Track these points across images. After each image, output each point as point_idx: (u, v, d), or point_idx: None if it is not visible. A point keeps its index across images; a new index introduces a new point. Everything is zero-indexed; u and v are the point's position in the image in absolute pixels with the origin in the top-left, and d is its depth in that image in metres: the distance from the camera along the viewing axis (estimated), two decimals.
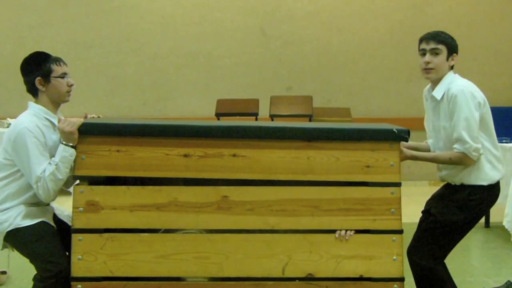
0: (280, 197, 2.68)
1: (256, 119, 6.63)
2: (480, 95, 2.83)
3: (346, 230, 2.68)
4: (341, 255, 2.66)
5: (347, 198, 2.68)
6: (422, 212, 3.04)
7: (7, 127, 6.85)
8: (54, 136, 2.79)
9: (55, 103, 2.86)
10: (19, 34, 7.40)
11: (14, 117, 7.64)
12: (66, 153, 2.65)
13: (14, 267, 3.88)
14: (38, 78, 2.80)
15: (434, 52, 2.85)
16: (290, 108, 6.56)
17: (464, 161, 2.79)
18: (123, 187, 2.75)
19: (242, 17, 7.44)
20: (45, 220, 2.81)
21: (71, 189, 2.83)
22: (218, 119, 6.67)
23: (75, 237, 2.67)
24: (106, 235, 2.67)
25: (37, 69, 2.81)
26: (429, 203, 3.02)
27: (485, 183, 2.84)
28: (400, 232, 2.68)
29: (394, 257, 2.66)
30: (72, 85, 2.86)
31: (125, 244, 2.67)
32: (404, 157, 2.80)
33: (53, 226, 2.82)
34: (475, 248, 4.68)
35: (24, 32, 7.39)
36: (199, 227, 2.70)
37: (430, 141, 3.05)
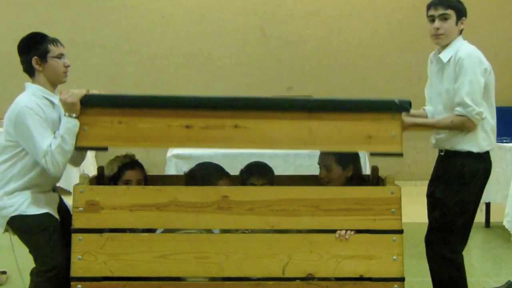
0: (280, 197, 2.68)
1: None
2: (486, 62, 2.82)
3: (346, 230, 2.68)
4: (341, 255, 2.66)
5: (347, 198, 2.68)
6: (427, 196, 3.06)
7: None
8: (54, 114, 2.80)
9: (52, 83, 2.85)
10: (19, 34, 7.33)
11: None
12: (69, 124, 2.64)
13: (14, 267, 3.88)
14: (35, 57, 2.81)
15: (443, 18, 2.82)
16: None
17: (466, 124, 2.77)
18: (123, 187, 2.76)
19: (242, 17, 7.43)
20: (50, 212, 2.81)
21: (80, 166, 2.86)
22: None
23: (75, 237, 2.67)
24: (106, 235, 2.67)
25: (34, 49, 2.82)
26: (430, 186, 3.04)
27: (474, 149, 2.82)
28: (400, 232, 2.68)
29: (395, 257, 2.66)
30: (68, 66, 2.88)
31: (125, 244, 2.67)
32: (406, 126, 2.76)
33: (57, 219, 2.83)
34: (475, 248, 4.68)
35: (23, 32, 7.31)
36: (199, 227, 2.70)
37: (427, 108, 3.03)
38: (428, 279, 3.57)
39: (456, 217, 2.88)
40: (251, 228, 2.71)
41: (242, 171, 3.01)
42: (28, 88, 2.83)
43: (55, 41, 2.87)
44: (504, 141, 4.88)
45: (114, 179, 2.92)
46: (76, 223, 2.67)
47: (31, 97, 2.77)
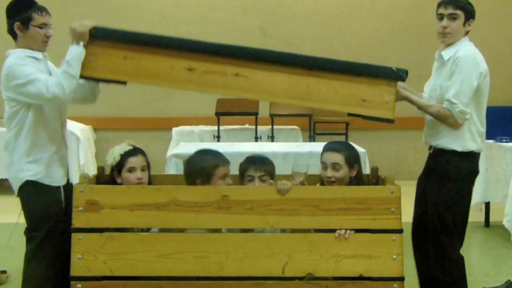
0: (280, 197, 2.68)
1: (256, 119, 6.63)
2: (484, 66, 2.87)
3: (346, 230, 2.68)
4: (341, 254, 2.67)
5: (347, 198, 2.69)
6: (416, 191, 3.15)
7: None
8: (42, 67, 2.87)
9: (32, 50, 2.86)
10: None
11: None
12: (76, 51, 2.70)
13: (14, 266, 3.88)
14: (17, 23, 2.82)
15: (452, 17, 2.86)
16: (290, 108, 6.55)
17: (448, 120, 2.84)
18: (123, 186, 2.76)
19: (242, 17, 7.44)
20: (61, 187, 2.92)
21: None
22: (218, 118, 6.67)
23: (75, 236, 2.67)
24: (106, 234, 2.67)
25: (18, 14, 2.83)
26: (419, 182, 3.14)
27: (458, 148, 2.88)
28: (400, 231, 2.68)
29: (394, 257, 2.66)
30: (49, 36, 2.88)
31: (125, 243, 2.67)
32: (400, 97, 2.85)
33: (62, 207, 2.89)
34: (475, 248, 4.68)
35: None
36: (199, 226, 2.70)
37: (424, 95, 3.09)
38: None
39: (445, 213, 2.92)
40: (251, 227, 2.71)
41: (240, 165, 3.00)
42: (10, 54, 2.85)
43: (40, 10, 2.85)
44: (504, 140, 4.88)
45: (118, 168, 2.88)
46: (76, 222, 2.67)
47: (16, 58, 2.80)
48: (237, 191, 2.72)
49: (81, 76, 2.74)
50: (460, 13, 2.86)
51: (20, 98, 2.76)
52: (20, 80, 2.71)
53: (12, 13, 2.84)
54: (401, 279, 2.66)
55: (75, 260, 2.65)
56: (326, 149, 2.93)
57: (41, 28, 2.84)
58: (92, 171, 5.82)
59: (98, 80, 2.88)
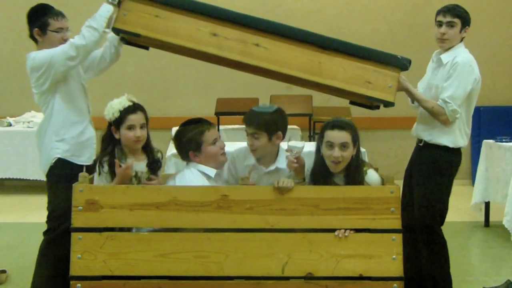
0: (280, 196, 2.68)
1: None
2: (478, 73, 3.12)
3: (346, 229, 2.68)
4: (341, 254, 2.67)
5: (347, 197, 2.69)
6: (404, 178, 3.37)
7: (7, 126, 6.85)
8: None
9: None
10: (19, 33, 7.36)
11: (14, 116, 7.63)
12: (104, 7, 2.88)
13: (14, 266, 3.88)
14: (36, 29, 3.02)
15: (450, 25, 3.11)
16: (290, 107, 6.55)
17: (440, 116, 3.07)
18: (123, 186, 2.76)
19: None
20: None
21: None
22: (218, 118, 6.67)
23: (74, 236, 2.67)
24: (105, 234, 2.67)
25: (36, 21, 3.02)
26: (407, 173, 3.35)
27: (450, 145, 3.13)
28: (399, 231, 2.68)
29: (394, 256, 2.66)
30: (67, 39, 3.01)
31: (124, 243, 2.67)
32: (401, 87, 3.04)
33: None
34: (475, 247, 4.68)
35: (23, 31, 7.35)
36: (199, 226, 2.70)
37: (419, 90, 3.27)
38: None
39: (434, 201, 3.15)
40: (250, 227, 2.70)
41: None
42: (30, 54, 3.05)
43: (56, 15, 3.05)
44: (504, 140, 4.88)
45: (116, 124, 2.84)
46: (76, 222, 2.67)
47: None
48: (236, 191, 2.72)
49: (113, 28, 2.94)
50: (457, 21, 3.10)
51: (52, 76, 2.93)
52: (47, 58, 2.92)
53: (31, 19, 3.05)
54: (401, 278, 2.66)
55: (75, 260, 2.65)
56: (331, 127, 2.81)
57: (57, 32, 3.02)
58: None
59: (126, 35, 3.01)
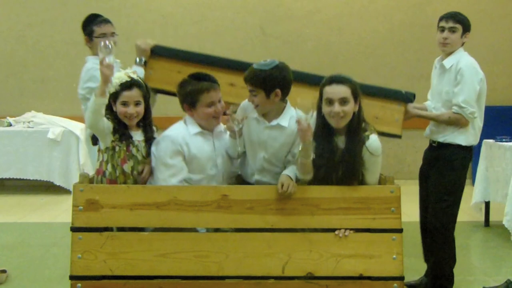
0: (280, 196, 2.68)
1: None
2: (482, 72, 3.27)
3: (346, 229, 2.68)
4: (341, 254, 2.67)
5: (347, 197, 2.69)
6: (420, 177, 3.47)
7: (7, 126, 6.84)
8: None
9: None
10: (20, 32, 7.39)
11: (14, 116, 7.62)
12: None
13: (14, 266, 3.88)
14: (85, 37, 3.49)
15: (452, 30, 3.26)
16: None
17: (460, 121, 3.21)
18: (123, 185, 2.76)
19: (242, 16, 7.43)
20: None
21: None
22: None
23: (75, 236, 2.67)
24: (106, 233, 2.67)
25: (85, 29, 3.50)
26: (422, 171, 3.45)
27: (463, 143, 3.25)
28: (400, 231, 2.68)
29: (394, 256, 2.66)
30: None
31: (125, 242, 2.67)
32: (411, 115, 3.26)
33: None
34: (475, 247, 4.68)
35: (24, 31, 7.38)
36: (199, 226, 2.70)
37: (427, 103, 3.45)
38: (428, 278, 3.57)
39: (447, 196, 3.25)
40: (251, 227, 2.70)
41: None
42: (88, 60, 3.48)
43: (100, 22, 3.46)
44: (504, 140, 4.87)
45: (113, 98, 2.84)
46: (76, 221, 2.67)
47: (92, 63, 3.38)
48: (237, 190, 2.72)
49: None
50: (459, 26, 3.26)
51: (89, 97, 3.02)
52: (92, 84, 3.22)
53: (82, 29, 3.53)
54: (401, 278, 2.66)
55: (75, 260, 2.65)
56: (329, 82, 2.75)
57: (101, 37, 3.34)
58: (92, 171, 5.82)
59: (155, 90, 3.26)
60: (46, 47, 7.18)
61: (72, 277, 2.66)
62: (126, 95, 2.82)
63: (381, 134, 2.99)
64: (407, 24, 7.31)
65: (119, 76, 2.87)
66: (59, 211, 5.62)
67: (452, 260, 3.34)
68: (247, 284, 2.68)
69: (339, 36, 7.35)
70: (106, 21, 3.49)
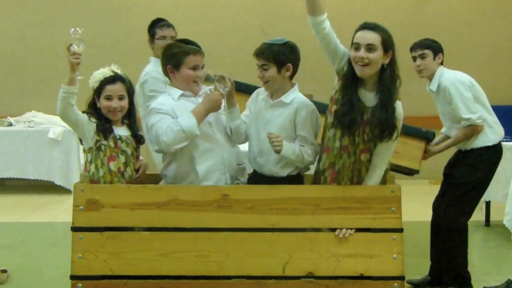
0: (280, 196, 2.68)
1: None
2: (467, 79, 3.34)
3: (347, 229, 2.68)
4: (342, 253, 2.67)
5: (348, 197, 2.68)
6: (444, 174, 3.52)
7: (7, 125, 6.84)
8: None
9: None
10: (19, 32, 7.39)
11: (14, 115, 7.63)
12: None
13: (15, 266, 3.88)
14: (148, 38, 3.78)
15: (422, 57, 3.41)
16: None
17: (475, 130, 3.32)
18: (124, 185, 2.76)
19: (242, 16, 7.43)
20: None
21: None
22: None
23: (75, 236, 2.67)
24: (106, 233, 2.67)
25: (149, 32, 3.78)
26: (447, 168, 3.48)
27: (489, 144, 3.35)
28: (400, 230, 2.68)
29: (395, 256, 2.66)
30: None
31: (125, 242, 2.67)
32: (433, 153, 3.44)
33: None
34: (476, 247, 4.68)
35: (24, 31, 7.38)
36: (200, 225, 2.70)
37: (443, 130, 3.56)
38: (428, 278, 3.57)
39: (468, 192, 3.33)
40: (251, 227, 2.70)
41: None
42: (150, 61, 3.80)
43: (163, 25, 3.72)
44: (504, 140, 4.87)
45: (97, 94, 2.85)
46: (77, 221, 2.67)
47: (153, 66, 3.68)
48: (237, 190, 2.72)
49: None
50: (427, 51, 3.41)
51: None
52: (151, 92, 3.53)
53: (148, 30, 3.77)
54: (401, 278, 2.67)
55: (76, 259, 2.66)
56: (361, 28, 2.70)
57: (161, 39, 3.66)
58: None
59: None
60: (46, 47, 7.18)
61: (72, 277, 2.66)
62: (109, 89, 2.83)
63: (398, 168, 3.26)
64: (407, 24, 7.31)
65: (103, 71, 2.89)
66: (60, 211, 5.62)
67: (465, 258, 3.43)
68: (247, 283, 2.68)
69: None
70: (168, 25, 3.72)
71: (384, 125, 2.62)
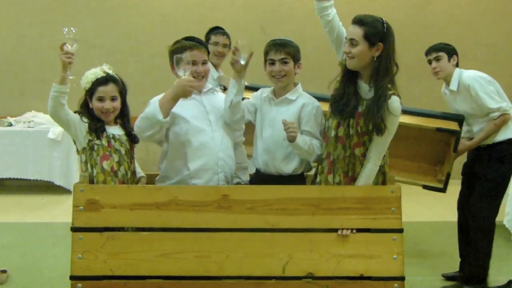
0: (280, 196, 2.68)
1: None
2: (486, 75, 3.54)
3: (348, 229, 2.68)
4: (342, 254, 2.66)
5: (347, 197, 2.68)
6: (463, 173, 3.70)
7: (8, 125, 6.84)
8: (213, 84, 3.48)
9: (213, 64, 3.75)
10: (20, 32, 7.40)
11: (14, 115, 7.62)
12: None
13: (14, 266, 3.88)
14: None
15: (437, 59, 3.59)
16: None
17: (505, 119, 3.48)
18: (124, 186, 2.75)
19: (242, 16, 7.43)
20: None
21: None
22: None
23: (75, 236, 2.67)
24: (106, 233, 2.67)
25: (205, 36, 3.97)
26: (468, 167, 3.65)
27: (511, 136, 3.51)
28: (400, 231, 2.68)
29: (395, 256, 2.66)
30: (220, 51, 3.89)
31: (125, 242, 2.67)
32: (466, 147, 3.57)
33: None
34: None
35: (24, 31, 7.38)
36: (199, 226, 2.70)
37: (465, 129, 3.65)
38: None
39: (497, 186, 3.49)
40: (251, 227, 2.70)
41: (264, 49, 3.02)
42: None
43: (218, 32, 3.95)
44: None
45: (89, 94, 2.85)
46: (76, 222, 2.67)
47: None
48: (237, 190, 2.72)
49: None
50: (442, 54, 3.59)
51: None
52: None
53: (205, 35, 3.98)
54: (401, 278, 2.66)
55: (76, 260, 2.65)
56: (352, 22, 2.83)
57: (213, 45, 3.91)
58: None
59: None
60: (47, 47, 7.18)
61: (72, 277, 2.65)
62: (101, 90, 2.83)
63: (442, 129, 3.44)
64: (407, 24, 7.31)
65: (95, 71, 2.88)
66: (60, 211, 5.62)
67: (489, 254, 3.56)
68: (247, 284, 2.68)
69: None
70: (223, 33, 3.94)
71: (373, 119, 2.61)
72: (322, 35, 2.99)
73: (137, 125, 2.80)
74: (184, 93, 2.75)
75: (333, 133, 2.75)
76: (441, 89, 3.79)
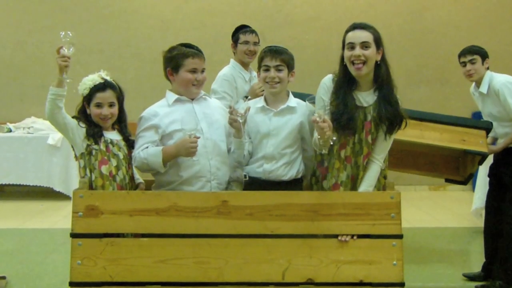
0: (280, 202, 2.68)
1: None
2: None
3: (348, 235, 2.68)
4: (341, 260, 2.66)
5: (347, 203, 2.68)
6: (489, 175, 3.82)
7: (7, 131, 6.84)
8: (245, 86, 3.77)
9: (241, 63, 3.86)
10: (19, 38, 7.41)
11: (14, 121, 7.62)
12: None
13: (14, 272, 3.87)
14: (231, 43, 3.92)
15: (472, 62, 3.74)
16: None
17: None
18: (123, 192, 2.75)
19: (241, 22, 7.40)
20: None
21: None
22: None
23: (74, 242, 2.67)
24: (105, 239, 2.66)
25: (232, 36, 3.92)
26: (494, 168, 3.76)
27: None
28: (400, 237, 2.68)
29: (394, 262, 2.66)
30: (251, 50, 3.80)
31: (124, 249, 2.67)
32: (492, 151, 3.68)
33: None
34: (475, 253, 4.67)
35: (24, 37, 7.40)
36: (199, 232, 2.70)
37: (491, 135, 3.77)
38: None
39: None
40: (250, 233, 2.70)
41: (259, 56, 3.03)
42: (230, 63, 3.88)
43: (246, 31, 3.86)
44: None
45: (87, 101, 2.86)
46: (76, 228, 2.67)
47: (230, 68, 3.83)
48: (236, 196, 2.72)
49: None
50: (477, 57, 3.74)
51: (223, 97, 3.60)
52: (218, 88, 3.74)
53: (232, 35, 3.95)
54: (401, 284, 2.66)
55: (75, 266, 2.65)
56: (352, 28, 2.75)
57: (243, 44, 3.84)
58: None
59: None
60: (46, 53, 7.19)
61: (71, 284, 2.65)
62: (99, 96, 2.84)
63: (470, 151, 3.62)
64: (406, 30, 7.33)
65: (92, 78, 2.88)
66: (59, 217, 5.61)
67: None
68: None
69: (339, 42, 7.32)
70: (251, 31, 3.88)
71: (392, 118, 2.72)
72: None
73: (136, 166, 2.88)
74: (188, 154, 2.76)
75: (336, 154, 2.77)
76: (470, 90, 3.91)
